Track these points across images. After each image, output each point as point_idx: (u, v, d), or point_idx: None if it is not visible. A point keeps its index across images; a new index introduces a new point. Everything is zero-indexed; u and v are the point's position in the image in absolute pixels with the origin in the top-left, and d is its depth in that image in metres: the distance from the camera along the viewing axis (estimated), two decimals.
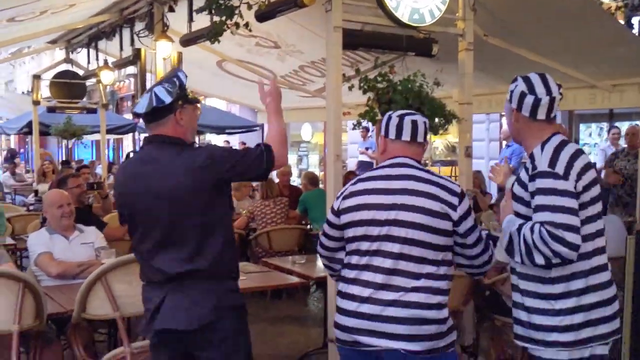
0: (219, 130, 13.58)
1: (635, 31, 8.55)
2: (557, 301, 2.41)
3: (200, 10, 4.17)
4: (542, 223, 2.32)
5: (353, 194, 2.61)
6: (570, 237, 2.29)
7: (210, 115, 13.05)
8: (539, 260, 2.35)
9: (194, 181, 2.49)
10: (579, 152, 2.44)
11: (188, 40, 6.83)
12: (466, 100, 4.45)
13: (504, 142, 10.98)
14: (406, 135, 2.59)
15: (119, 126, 13.13)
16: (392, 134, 2.63)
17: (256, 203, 6.74)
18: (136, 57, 7.49)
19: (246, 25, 4.13)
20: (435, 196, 2.47)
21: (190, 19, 6.73)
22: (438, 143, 14.77)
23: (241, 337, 2.62)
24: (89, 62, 9.82)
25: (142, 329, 2.72)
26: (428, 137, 2.74)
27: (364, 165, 12.19)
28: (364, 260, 2.52)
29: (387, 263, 2.47)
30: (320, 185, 7.58)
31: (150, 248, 2.58)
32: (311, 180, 7.27)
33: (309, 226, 6.73)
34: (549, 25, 5.69)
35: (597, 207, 2.47)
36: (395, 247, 2.47)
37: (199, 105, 2.71)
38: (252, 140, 16.68)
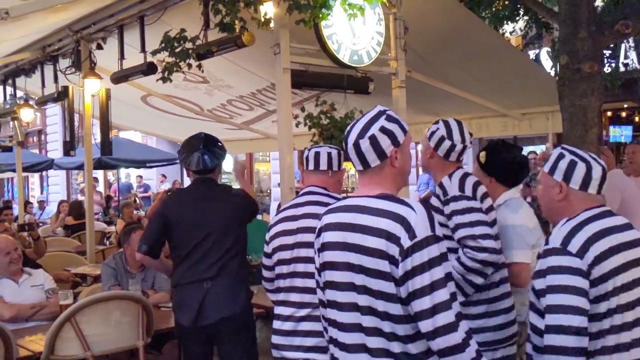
0: (139, 164, 13.43)
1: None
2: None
3: (155, 52, 4.30)
4: (461, 239, 2.68)
5: (274, 224, 2.98)
6: (489, 243, 2.65)
7: (127, 148, 12.90)
8: (477, 280, 2.69)
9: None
10: (478, 182, 2.85)
11: (119, 78, 6.89)
12: None
13: (420, 169, 11.57)
14: (311, 165, 2.95)
15: (36, 163, 12.74)
16: (304, 165, 3.02)
17: None
18: (64, 94, 7.42)
19: (199, 66, 4.30)
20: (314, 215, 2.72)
21: (122, 57, 6.81)
22: None
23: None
24: (5, 99, 9.57)
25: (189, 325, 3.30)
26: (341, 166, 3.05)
27: None
28: (287, 282, 2.86)
29: (298, 282, 2.82)
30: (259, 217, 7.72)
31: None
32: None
33: (248, 257, 6.85)
34: (465, 61, 6.21)
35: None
36: (301, 267, 2.81)
37: None
38: (171, 173, 16.57)
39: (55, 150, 18.32)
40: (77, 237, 9.22)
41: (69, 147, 7.37)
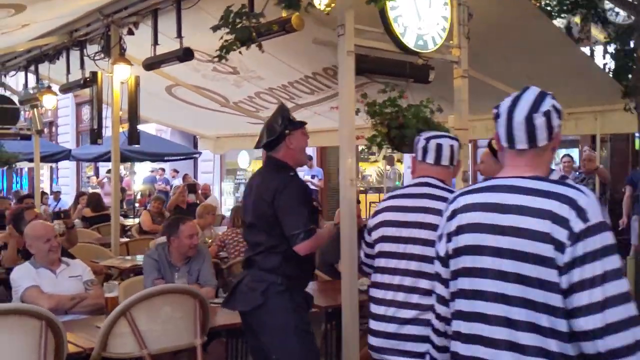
0: (156, 157, 13.15)
1: None
2: None
3: (215, 27, 4.02)
4: None
5: (378, 212, 2.82)
6: None
7: (143, 141, 12.60)
8: None
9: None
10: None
11: (152, 64, 6.63)
12: (463, 125, 4.52)
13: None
14: (430, 158, 2.73)
15: (53, 153, 12.47)
16: (419, 155, 2.78)
17: (227, 231, 6.54)
18: (92, 80, 7.15)
19: (259, 46, 4.03)
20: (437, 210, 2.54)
21: (155, 42, 6.55)
22: (371, 171, 15.00)
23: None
24: (26, 86, 9.32)
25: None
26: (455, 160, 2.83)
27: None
28: (389, 279, 2.66)
29: (407, 281, 2.60)
30: None
31: None
32: None
33: None
34: (517, 54, 5.92)
35: None
36: (412, 265, 2.58)
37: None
38: (183, 167, 16.29)
39: (66, 142, 18.08)
40: (95, 229, 8.98)
41: (96, 135, 7.09)
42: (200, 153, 13.68)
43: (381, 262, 2.75)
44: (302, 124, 3.37)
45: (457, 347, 1.84)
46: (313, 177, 12.46)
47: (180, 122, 11.35)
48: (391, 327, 2.61)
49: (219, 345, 3.90)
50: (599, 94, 6.46)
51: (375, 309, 2.72)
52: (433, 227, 2.50)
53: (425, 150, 2.74)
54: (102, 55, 7.23)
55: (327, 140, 10.48)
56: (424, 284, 2.54)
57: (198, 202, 9.45)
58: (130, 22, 6.89)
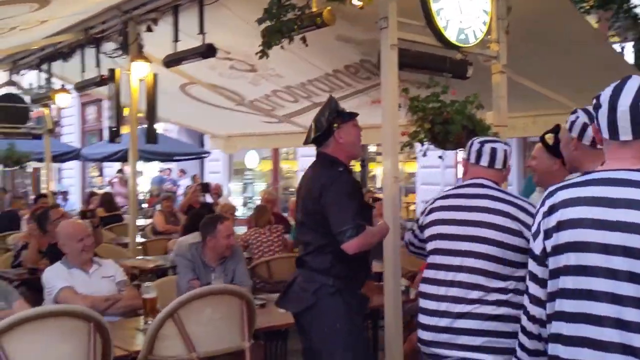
0: (166, 157, 13.02)
1: None
2: None
3: (261, 20, 3.90)
4: None
5: (433, 210, 2.85)
6: None
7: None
8: None
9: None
10: None
11: (173, 61, 6.52)
12: (502, 122, 4.41)
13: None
14: (484, 161, 2.81)
15: (62, 153, 12.34)
16: (472, 158, 2.85)
17: (250, 231, 6.42)
18: (111, 78, 7.04)
19: (303, 39, 3.91)
20: (510, 214, 2.63)
21: (176, 39, 6.45)
22: (378, 172, 14.91)
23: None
24: (39, 85, 9.21)
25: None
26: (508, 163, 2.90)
27: None
28: (449, 275, 2.66)
29: (461, 277, 2.63)
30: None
31: None
32: None
33: None
34: (548, 52, 5.82)
35: None
36: (475, 263, 2.61)
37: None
38: (191, 168, 16.16)
39: (71, 142, 17.93)
40: (108, 230, 8.86)
41: (114, 134, 6.98)
42: (209, 153, 13.55)
43: (435, 259, 2.77)
44: (353, 115, 3.22)
45: (558, 349, 1.73)
46: None
47: (192, 121, 11.23)
48: (444, 322, 2.63)
49: (258, 348, 3.78)
50: None
51: (427, 304, 2.74)
52: (495, 226, 2.62)
53: (479, 153, 2.82)
54: (120, 53, 7.12)
55: None
56: (481, 280, 2.60)
57: (212, 202, 9.34)
58: (149, 19, 6.79)
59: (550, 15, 5.29)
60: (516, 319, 2.39)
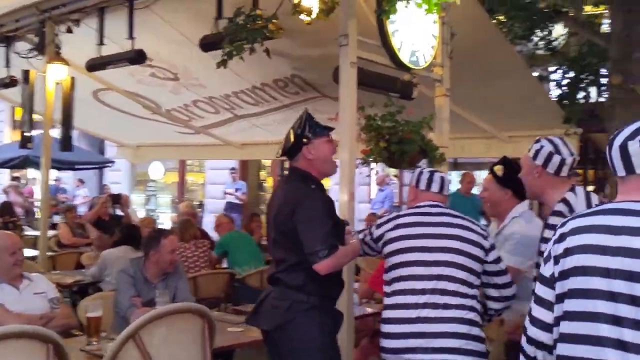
0: (65, 165, 12.27)
1: None
2: None
3: (228, 30, 3.74)
4: None
5: (399, 226, 2.99)
6: None
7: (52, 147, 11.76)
8: None
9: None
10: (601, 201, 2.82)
11: (97, 65, 6.21)
12: (443, 144, 4.54)
13: (377, 187, 11.42)
14: (435, 188, 3.09)
15: None
16: (423, 185, 3.11)
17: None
18: (25, 79, 6.59)
19: (266, 51, 3.82)
20: (469, 228, 2.94)
21: (101, 42, 6.15)
22: None
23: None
24: None
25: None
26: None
27: (232, 207, 11.86)
28: (430, 284, 2.81)
29: (431, 284, 2.80)
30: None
31: None
32: (232, 221, 6.87)
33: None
34: (476, 78, 6.06)
35: None
36: (453, 272, 2.82)
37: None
38: (88, 177, 15.38)
39: None
40: None
41: (26, 140, 6.52)
42: (113, 162, 12.98)
43: (403, 272, 2.89)
44: (326, 130, 3.12)
45: None
46: (236, 190, 12.18)
47: (100, 129, 10.72)
48: (419, 327, 2.75)
49: None
50: (543, 119, 6.74)
51: (395, 313, 2.84)
52: (461, 238, 2.90)
53: (430, 181, 3.09)
54: (35, 54, 6.68)
55: (262, 153, 10.29)
56: (460, 287, 2.81)
57: (122, 214, 8.92)
58: (71, 20, 6.42)
59: (480, 43, 5.54)
60: (479, 324, 2.81)
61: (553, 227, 2.53)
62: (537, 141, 2.90)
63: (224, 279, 5.93)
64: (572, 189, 2.80)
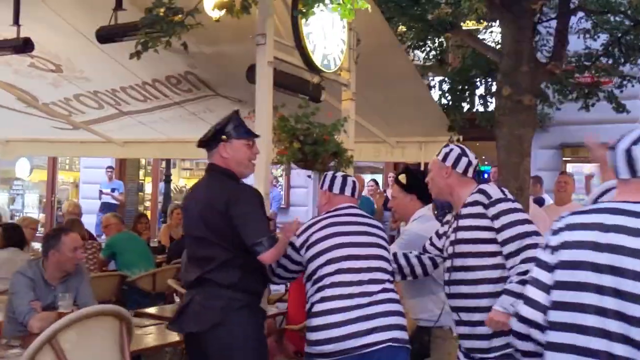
0: None
1: None
2: None
3: (145, 21, 3.55)
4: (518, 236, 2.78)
5: (325, 227, 3.14)
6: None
7: None
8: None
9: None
10: None
11: None
12: (350, 147, 4.65)
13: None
14: (348, 191, 3.31)
15: None
16: (337, 189, 3.30)
17: None
18: None
19: (184, 45, 3.70)
20: (379, 227, 3.27)
21: None
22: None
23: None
24: None
25: None
26: None
27: (107, 207, 11.36)
28: (359, 276, 3.00)
29: (372, 275, 3.03)
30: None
31: None
32: (121, 221, 6.56)
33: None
34: (368, 84, 6.26)
35: None
36: (380, 263, 3.10)
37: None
38: None
39: None
40: None
41: None
42: None
43: (338, 266, 3.01)
44: (250, 135, 3.15)
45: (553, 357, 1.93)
46: (113, 190, 11.68)
47: None
48: (358, 313, 2.90)
49: None
50: (430, 127, 7.10)
51: (333, 304, 2.93)
52: (377, 236, 3.18)
53: (344, 185, 3.30)
54: None
55: (145, 152, 9.96)
56: (385, 275, 3.07)
57: None
58: None
59: (377, 50, 5.73)
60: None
61: (474, 216, 2.92)
62: (446, 146, 3.21)
63: (114, 281, 5.68)
64: (486, 184, 3.10)
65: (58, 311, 3.49)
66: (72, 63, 7.08)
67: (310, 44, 4.10)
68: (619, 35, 6.66)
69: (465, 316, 2.92)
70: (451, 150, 3.14)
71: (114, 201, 11.59)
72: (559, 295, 1.94)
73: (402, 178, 3.81)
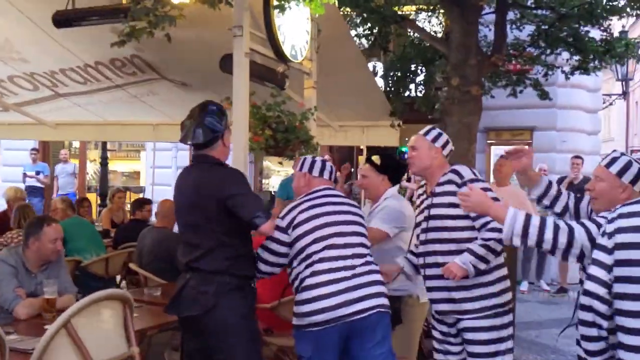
0: None
1: None
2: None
3: (137, 11, 3.55)
4: None
5: (310, 208, 3.31)
6: None
7: None
8: (497, 247, 3.19)
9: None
10: None
11: None
12: (313, 133, 4.87)
13: None
14: (326, 175, 3.51)
15: None
16: (316, 172, 3.48)
17: (13, 233, 5.70)
18: None
19: (168, 36, 3.75)
20: (355, 205, 3.49)
21: None
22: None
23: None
24: None
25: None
26: None
27: (33, 191, 11.02)
28: (337, 252, 3.21)
29: (356, 250, 3.26)
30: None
31: None
32: (70, 206, 6.44)
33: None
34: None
35: None
36: (360, 239, 3.33)
37: None
38: None
39: None
40: None
41: None
42: None
43: (325, 243, 3.21)
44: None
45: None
46: (38, 173, 11.31)
47: None
48: (347, 284, 3.11)
49: None
50: (372, 111, 7.42)
51: (323, 277, 3.13)
52: (356, 214, 3.40)
53: (322, 169, 3.48)
54: None
55: (78, 134, 9.74)
56: (366, 250, 3.30)
57: None
58: None
59: (330, 38, 5.95)
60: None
61: (444, 193, 3.28)
62: (434, 128, 3.53)
63: (69, 267, 5.63)
64: (460, 165, 3.44)
65: (44, 297, 3.54)
66: (10, 44, 6.86)
67: (282, 35, 4.26)
68: (545, 27, 7.19)
69: (438, 283, 3.27)
70: (440, 134, 3.49)
71: (39, 184, 11.22)
72: (622, 271, 2.35)
73: (377, 159, 4.10)
